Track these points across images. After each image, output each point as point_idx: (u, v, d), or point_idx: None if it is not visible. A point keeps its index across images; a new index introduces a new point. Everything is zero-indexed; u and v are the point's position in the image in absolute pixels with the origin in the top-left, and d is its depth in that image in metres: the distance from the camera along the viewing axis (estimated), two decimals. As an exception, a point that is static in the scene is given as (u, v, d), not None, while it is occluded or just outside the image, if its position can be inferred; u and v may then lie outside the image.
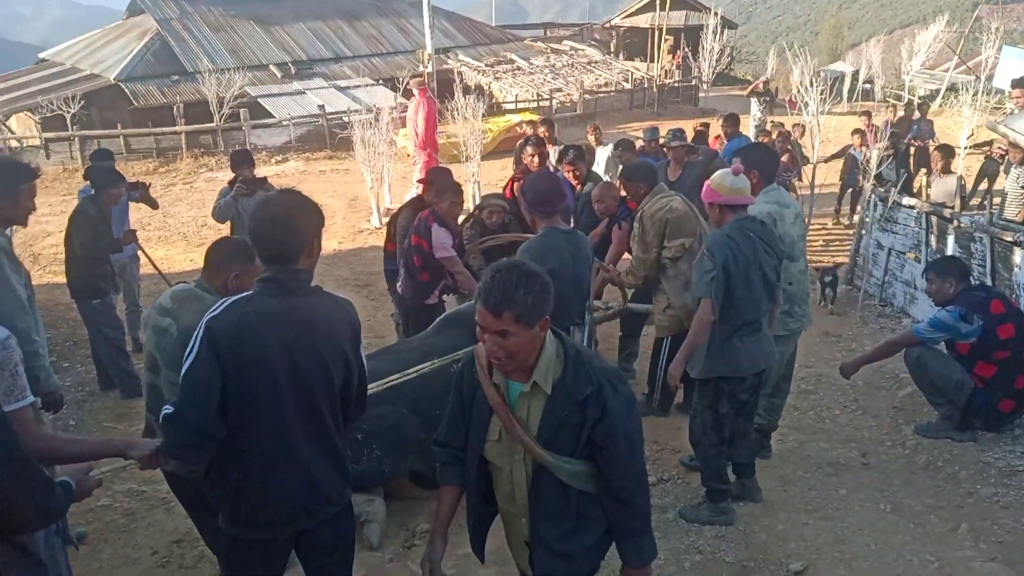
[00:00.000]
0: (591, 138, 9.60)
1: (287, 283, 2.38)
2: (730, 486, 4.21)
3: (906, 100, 23.00)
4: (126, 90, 21.18)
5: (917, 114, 14.76)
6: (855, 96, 26.37)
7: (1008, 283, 5.51)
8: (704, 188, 4.00)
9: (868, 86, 28.33)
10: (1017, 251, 5.35)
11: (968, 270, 5.06)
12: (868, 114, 14.07)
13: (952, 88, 25.33)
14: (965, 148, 10.82)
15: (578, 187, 6.52)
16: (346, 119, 17.69)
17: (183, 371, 2.31)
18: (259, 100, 20.62)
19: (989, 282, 5.70)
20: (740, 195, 3.87)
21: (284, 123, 19.49)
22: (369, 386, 4.05)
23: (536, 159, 6.86)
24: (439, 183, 5.41)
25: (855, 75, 28.09)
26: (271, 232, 2.35)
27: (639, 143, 9.28)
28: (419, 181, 6.05)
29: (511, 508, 2.48)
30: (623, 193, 5.53)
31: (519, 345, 2.16)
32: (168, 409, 2.34)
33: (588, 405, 2.22)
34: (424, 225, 5.26)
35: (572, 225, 6.60)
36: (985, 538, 3.94)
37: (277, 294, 2.37)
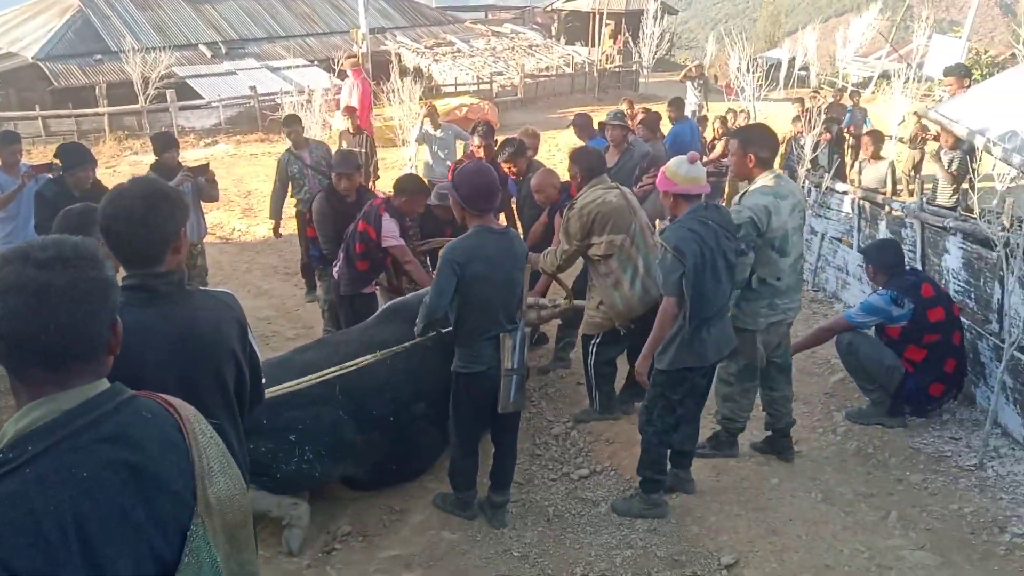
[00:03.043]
0: (428, 121, 9.20)
1: (158, 288, 2.09)
2: (666, 477, 4.11)
3: (839, 86, 23.42)
4: (45, 70, 20.24)
5: (850, 102, 14.93)
6: (791, 83, 26.78)
7: (938, 268, 5.54)
8: (659, 176, 3.89)
9: (804, 73, 28.79)
10: (948, 236, 5.37)
11: (901, 253, 5.04)
12: (802, 101, 14.20)
13: (884, 75, 25.91)
14: (897, 136, 10.98)
15: (519, 179, 6.31)
16: (278, 100, 17.22)
17: None
18: (187, 80, 19.95)
19: (920, 267, 5.72)
20: (695, 183, 3.80)
21: (213, 104, 18.89)
22: (302, 380, 3.86)
23: (483, 151, 6.62)
24: (395, 187, 5.27)
25: (791, 62, 28.56)
26: (130, 230, 2.03)
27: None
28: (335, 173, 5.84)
29: None
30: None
31: None
32: None
33: None
34: (375, 213, 5.11)
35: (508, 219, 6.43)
36: (914, 526, 3.92)
37: (148, 303, 2.07)
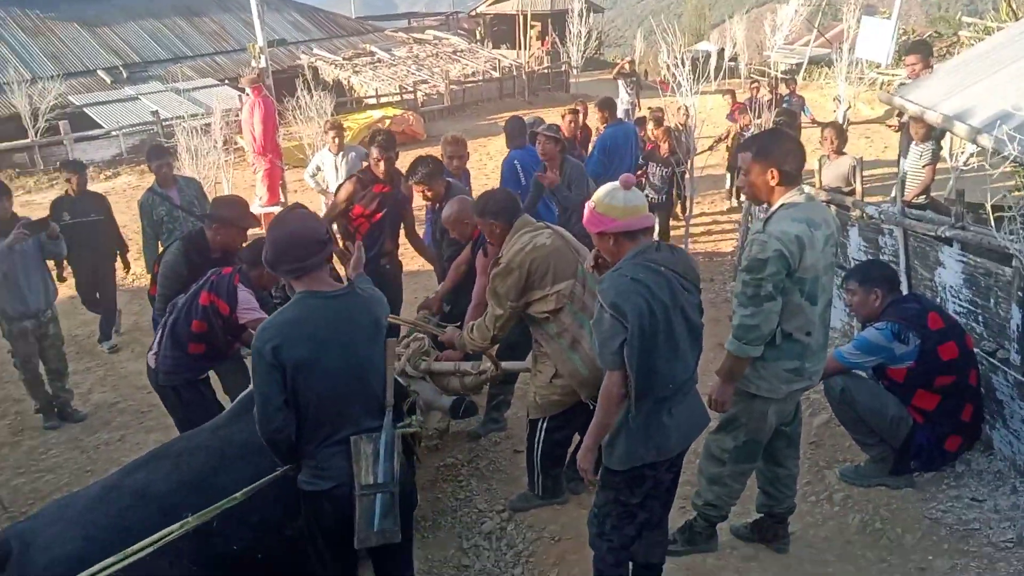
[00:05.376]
0: (331, 139, 7.81)
1: None
2: (629, 604, 3.12)
3: (771, 75, 22.92)
4: (-78, 107, 18.47)
5: (786, 90, 14.23)
6: (722, 74, 26.28)
7: (929, 284, 4.66)
8: (587, 214, 2.89)
9: (733, 64, 28.34)
10: (942, 247, 4.47)
11: (896, 277, 4.14)
12: (732, 93, 13.45)
13: (813, 61, 25.60)
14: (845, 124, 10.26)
15: (436, 207, 5.19)
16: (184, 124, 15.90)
17: None
18: (84, 109, 18.39)
19: (905, 284, 4.84)
20: (638, 215, 2.82)
21: (113, 133, 17.37)
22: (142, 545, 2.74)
23: (383, 165, 5.48)
24: (247, 255, 4.12)
25: (720, 53, 28.13)
26: None
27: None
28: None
29: None
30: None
31: None
32: None
33: None
34: (227, 284, 4.00)
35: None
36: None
37: None
